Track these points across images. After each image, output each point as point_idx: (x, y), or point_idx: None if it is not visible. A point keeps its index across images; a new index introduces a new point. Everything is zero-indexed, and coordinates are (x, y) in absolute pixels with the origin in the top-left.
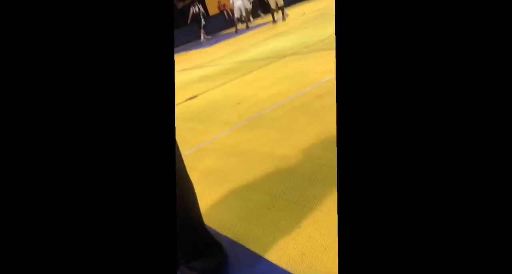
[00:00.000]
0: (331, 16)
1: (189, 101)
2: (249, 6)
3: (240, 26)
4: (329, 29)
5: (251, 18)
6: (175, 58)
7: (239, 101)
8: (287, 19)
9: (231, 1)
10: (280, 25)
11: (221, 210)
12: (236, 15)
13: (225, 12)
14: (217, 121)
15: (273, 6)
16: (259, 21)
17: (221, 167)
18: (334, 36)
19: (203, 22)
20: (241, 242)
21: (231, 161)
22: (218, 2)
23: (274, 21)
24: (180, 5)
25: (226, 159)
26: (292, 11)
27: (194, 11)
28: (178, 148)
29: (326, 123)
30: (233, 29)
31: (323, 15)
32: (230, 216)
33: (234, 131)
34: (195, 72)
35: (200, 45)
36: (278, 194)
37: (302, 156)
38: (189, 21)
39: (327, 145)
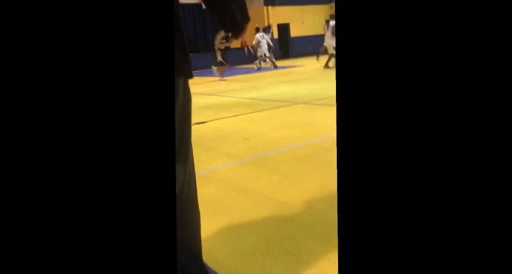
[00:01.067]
0: None
1: (197, 126)
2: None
3: (262, 64)
4: None
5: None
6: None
7: (247, 136)
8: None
9: (256, 41)
10: (301, 72)
11: (215, 245)
12: (259, 53)
13: (245, 48)
14: (222, 152)
15: (331, 50)
16: (282, 63)
17: (220, 199)
18: None
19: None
20: None
21: (230, 195)
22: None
23: (326, 66)
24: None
25: (225, 192)
26: (312, 60)
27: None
28: (194, 174)
29: (331, 178)
30: (253, 65)
31: None
32: (223, 253)
33: (237, 165)
34: (208, 99)
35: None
36: (274, 240)
37: (302, 206)
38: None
39: (329, 200)
